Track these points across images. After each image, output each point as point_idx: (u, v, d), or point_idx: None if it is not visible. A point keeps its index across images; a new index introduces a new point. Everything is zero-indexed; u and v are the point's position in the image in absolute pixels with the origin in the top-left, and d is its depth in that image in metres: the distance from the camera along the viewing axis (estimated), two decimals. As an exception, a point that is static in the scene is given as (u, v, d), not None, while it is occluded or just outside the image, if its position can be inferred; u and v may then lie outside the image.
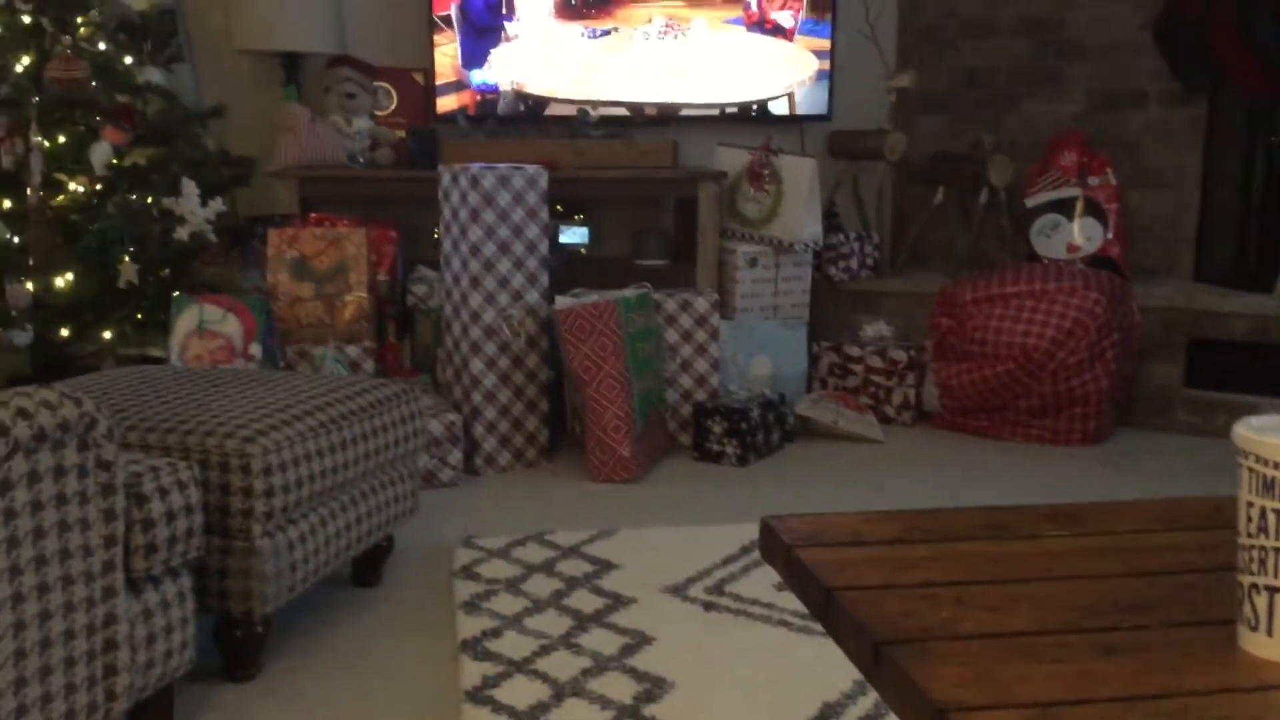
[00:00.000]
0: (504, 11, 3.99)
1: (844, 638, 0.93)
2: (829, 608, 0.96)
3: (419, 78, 4.03)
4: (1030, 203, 4.14)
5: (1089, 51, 4.31)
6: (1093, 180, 4.08)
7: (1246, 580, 0.85)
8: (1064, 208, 4.08)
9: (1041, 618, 0.91)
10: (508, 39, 4.01)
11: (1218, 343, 3.77)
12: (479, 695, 1.95)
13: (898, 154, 4.14)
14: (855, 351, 3.89)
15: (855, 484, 3.23)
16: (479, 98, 4.04)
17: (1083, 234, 4.05)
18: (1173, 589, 0.97)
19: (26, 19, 3.23)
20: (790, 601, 2.34)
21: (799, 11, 4.18)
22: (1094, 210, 4.05)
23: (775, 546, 1.09)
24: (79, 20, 3.35)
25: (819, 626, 2.22)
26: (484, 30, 3.98)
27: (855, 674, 2.03)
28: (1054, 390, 3.58)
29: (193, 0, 3.98)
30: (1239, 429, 0.85)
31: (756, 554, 2.61)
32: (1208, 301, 3.81)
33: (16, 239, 3.17)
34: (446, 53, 3.99)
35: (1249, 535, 0.84)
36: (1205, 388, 3.79)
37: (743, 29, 4.16)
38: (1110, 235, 4.05)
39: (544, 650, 2.12)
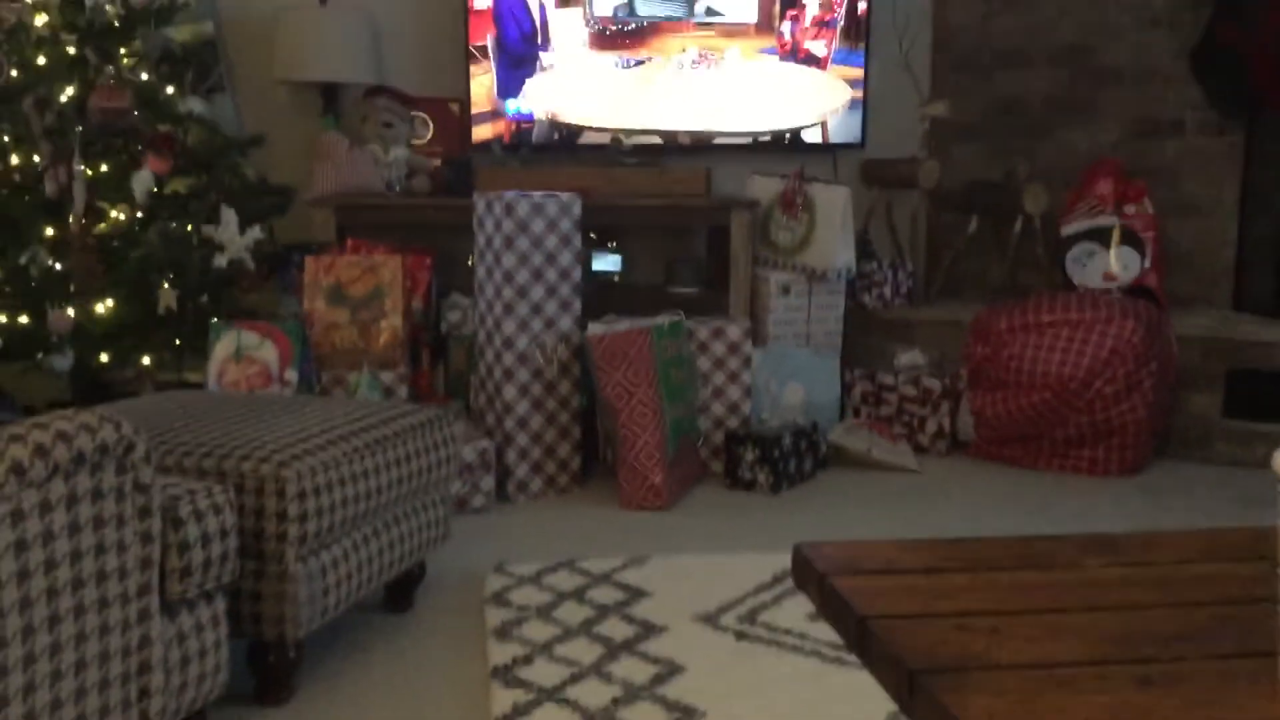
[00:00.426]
0: (539, 42, 4.03)
1: (878, 667, 0.93)
2: (863, 636, 0.95)
3: (455, 107, 4.07)
4: (1066, 231, 4.11)
5: (1125, 79, 4.29)
6: (1129, 209, 4.05)
7: (1288, 612, 0.83)
8: (1100, 236, 4.05)
9: (1079, 648, 0.90)
10: (543, 69, 4.05)
11: (1257, 373, 3.72)
12: (510, 722, 1.94)
13: (932, 182, 4.14)
14: (889, 380, 3.87)
15: (889, 513, 3.21)
16: (514, 127, 4.07)
17: (1119, 263, 4.02)
18: (1213, 620, 0.95)
19: (71, 50, 3.30)
20: (823, 631, 2.32)
21: (832, 41, 4.20)
22: (1130, 239, 4.02)
23: (808, 574, 1.09)
24: (122, 51, 3.41)
25: (852, 657, 2.20)
26: (519, 60, 4.02)
27: (889, 705, 2.00)
28: (1090, 420, 3.55)
29: (234, 31, 4.04)
30: (1278, 457, 0.84)
31: (789, 583, 2.59)
32: (1246, 331, 3.77)
33: (59, 265, 3.22)
34: (482, 83, 4.03)
35: (1290, 566, 0.83)
36: (1244, 418, 3.74)
37: (776, 58, 4.18)
38: (1147, 264, 4.01)
39: (574, 678, 2.11)
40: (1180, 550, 1.12)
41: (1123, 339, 3.51)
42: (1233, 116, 4.08)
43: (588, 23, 4.04)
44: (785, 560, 2.80)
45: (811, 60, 4.20)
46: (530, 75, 4.05)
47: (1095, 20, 4.31)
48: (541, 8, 4.01)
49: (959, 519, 3.15)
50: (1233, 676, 0.85)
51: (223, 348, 3.18)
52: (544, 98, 4.07)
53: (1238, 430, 3.75)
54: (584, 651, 2.23)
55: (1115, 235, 4.03)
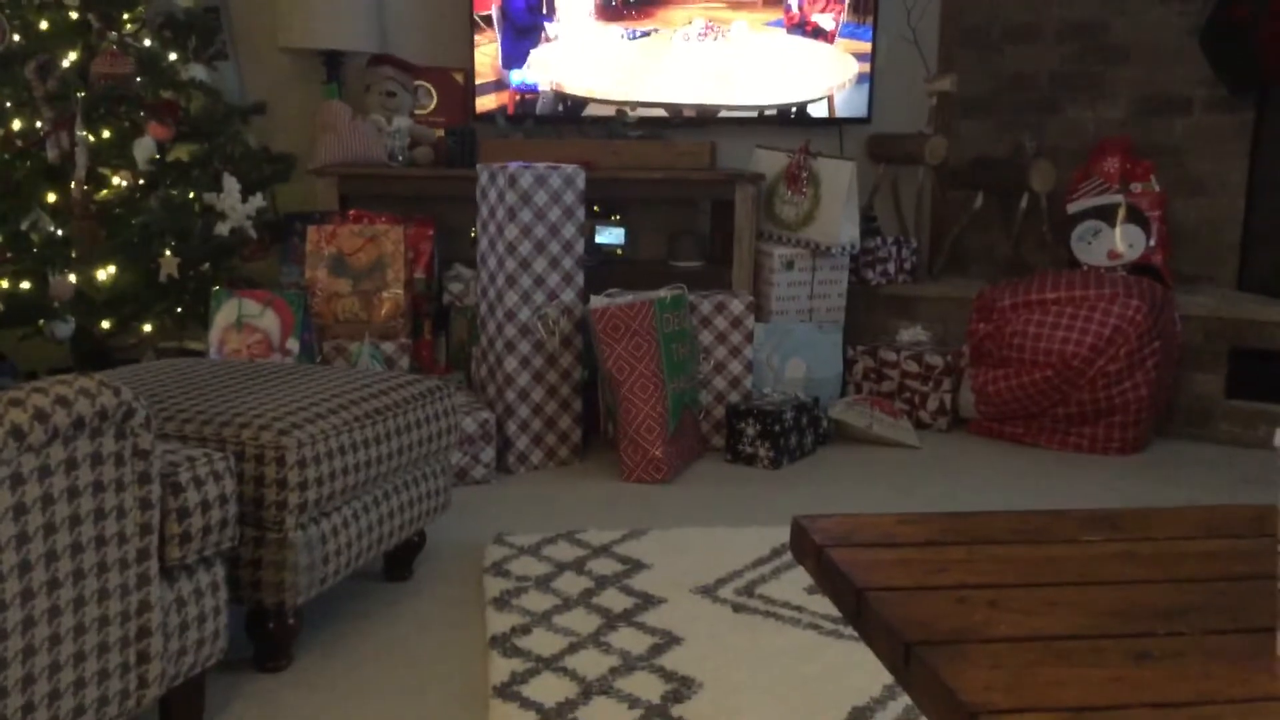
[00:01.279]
0: (544, 11, 4.00)
1: (875, 638, 0.92)
2: (860, 608, 0.95)
3: (459, 77, 4.05)
4: (1072, 209, 4.10)
5: (1133, 56, 4.26)
6: (1136, 187, 4.03)
7: (1287, 588, 0.83)
8: (1106, 214, 4.03)
9: (1076, 622, 0.90)
10: (548, 39, 4.02)
11: (1260, 352, 3.72)
12: (507, 691, 1.95)
13: (938, 158, 4.11)
14: (891, 356, 3.86)
15: (889, 489, 3.21)
16: (518, 97, 4.05)
17: (1124, 241, 4.01)
18: (1210, 596, 0.95)
19: (74, 15, 3.28)
20: (820, 605, 2.33)
21: (840, 14, 4.16)
22: (1136, 217, 4.00)
23: (807, 546, 1.09)
24: (125, 17, 3.39)
25: (849, 630, 2.21)
26: (524, 30, 3.99)
27: (885, 678, 2.01)
28: (1093, 398, 3.54)
29: (237, -2, 4.02)
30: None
31: (787, 556, 2.60)
32: (1251, 310, 3.75)
33: (60, 232, 3.21)
34: (486, 53, 4.00)
35: (1290, 542, 0.83)
36: (1247, 398, 3.74)
37: (783, 31, 4.15)
38: (1153, 242, 3.99)
39: (573, 648, 2.12)
40: (1179, 527, 1.12)
41: (1126, 317, 3.50)
42: (1242, 95, 4.05)
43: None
44: (784, 534, 2.81)
45: (819, 33, 4.17)
46: (535, 45, 4.02)
47: (1105, -4, 4.28)
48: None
49: (959, 495, 3.16)
50: (1230, 652, 0.84)
51: (224, 316, 3.17)
52: (549, 69, 4.05)
53: (1240, 410, 3.75)
54: (582, 622, 2.24)
55: (1121, 213, 4.01)
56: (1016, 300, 3.67)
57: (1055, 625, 0.89)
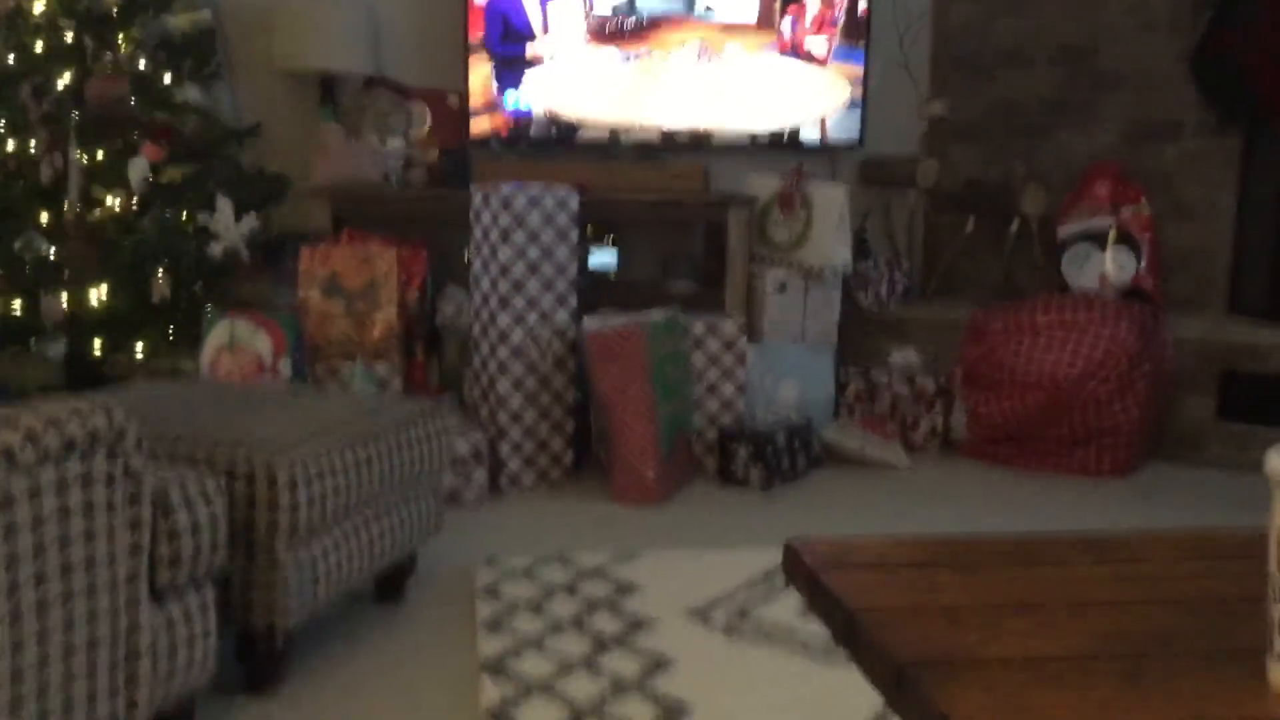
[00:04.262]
0: (522, 41, 4.00)
1: (866, 661, 0.92)
2: (851, 630, 0.95)
3: (453, 100, 4.06)
4: (1063, 233, 4.12)
5: (1124, 82, 4.29)
6: (1126, 211, 4.05)
7: (1277, 611, 0.83)
8: (1096, 238, 4.05)
9: (1068, 645, 0.89)
10: (537, 60, 4.03)
11: (1251, 376, 3.73)
12: (499, 715, 1.94)
13: (930, 182, 4.13)
14: (883, 378, 3.87)
15: (881, 511, 3.21)
16: (512, 120, 4.07)
17: (1115, 264, 4.02)
18: (1201, 619, 0.95)
19: (69, 37, 3.29)
20: (813, 628, 2.32)
21: (833, 38, 4.19)
22: (1127, 241, 4.02)
23: (798, 568, 1.08)
24: (120, 38, 3.40)
25: (841, 654, 2.20)
26: (508, 60, 4.01)
27: (877, 702, 2.00)
28: (1084, 421, 3.55)
29: (232, 20, 4.03)
30: (1271, 457, 0.83)
31: (779, 579, 2.59)
32: (1241, 334, 3.77)
33: (53, 252, 3.21)
34: (481, 75, 4.02)
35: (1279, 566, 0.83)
36: (1238, 420, 3.75)
37: (776, 55, 4.17)
38: (1143, 266, 4.01)
39: (564, 671, 2.11)
40: (1171, 550, 1.12)
41: (1117, 340, 3.51)
42: (1231, 120, 4.08)
43: (587, 17, 4.03)
44: (776, 556, 2.80)
45: (811, 58, 4.20)
46: (524, 70, 4.04)
47: (1095, 22, 4.31)
48: (541, 2, 4.00)
49: (951, 517, 3.16)
50: (1221, 675, 0.84)
51: (216, 337, 3.17)
52: (543, 92, 4.06)
53: (1231, 433, 3.75)
54: (574, 645, 2.23)
55: (1111, 237, 4.03)
56: (1008, 323, 3.68)
57: (1047, 648, 0.89)
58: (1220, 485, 3.55)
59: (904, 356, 3.99)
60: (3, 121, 3.24)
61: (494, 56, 3.98)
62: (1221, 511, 3.28)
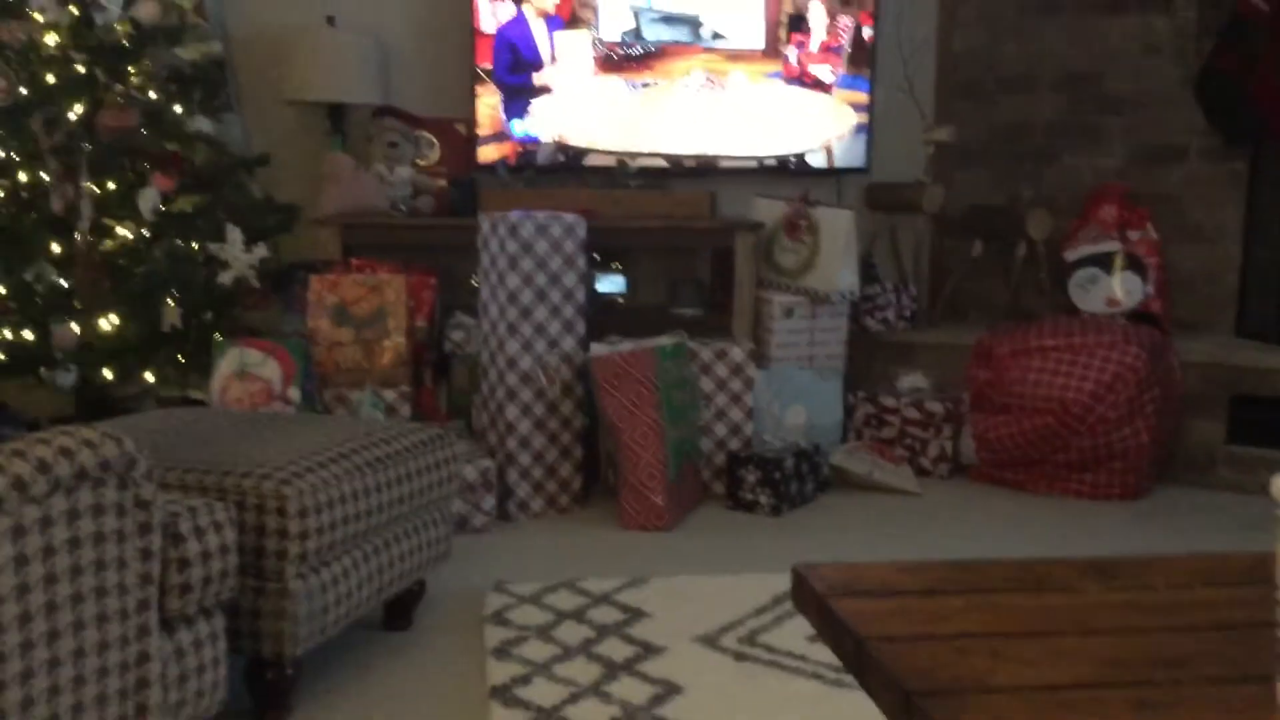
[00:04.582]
0: (529, 71, 4.03)
1: (875, 688, 0.92)
2: (861, 657, 0.95)
3: (461, 128, 4.09)
4: (1069, 256, 4.12)
5: (1128, 106, 4.31)
6: (1133, 234, 4.06)
7: (1286, 636, 0.83)
8: (1103, 262, 4.06)
9: (1076, 671, 0.90)
10: (544, 88, 4.06)
11: (1260, 399, 3.72)
12: (508, 743, 1.93)
13: (936, 207, 4.15)
14: (891, 403, 3.87)
15: (890, 536, 3.20)
16: (520, 148, 4.09)
17: (1122, 288, 4.03)
18: (1210, 644, 0.95)
19: (80, 69, 3.32)
20: (822, 654, 2.32)
21: (838, 66, 4.21)
22: (1134, 264, 4.02)
23: (807, 595, 1.09)
24: (131, 70, 3.43)
25: (851, 680, 2.19)
26: (514, 89, 4.04)
27: (889, 729, 1.99)
28: (1093, 445, 3.54)
29: (242, 51, 4.07)
30: (1277, 481, 0.84)
31: (789, 605, 2.59)
32: (1250, 357, 3.76)
33: (65, 282, 3.23)
34: (488, 104, 4.04)
35: (1288, 590, 0.83)
36: (1247, 444, 3.74)
37: (782, 82, 4.19)
38: (1151, 290, 4.01)
39: (573, 698, 2.11)
40: (1179, 574, 1.12)
41: (1125, 364, 3.51)
42: (1236, 142, 4.09)
43: (595, 46, 4.06)
44: (785, 582, 2.80)
45: (817, 85, 4.22)
46: (530, 99, 4.07)
47: (1099, 47, 4.33)
48: (549, 31, 4.03)
49: (960, 542, 3.15)
50: (1230, 701, 0.84)
51: (226, 365, 3.18)
52: (550, 120, 4.09)
53: (1240, 456, 3.74)
54: (583, 671, 2.22)
55: (1118, 261, 4.04)
56: (1016, 347, 3.68)
57: (1056, 674, 0.89)
58: (1229, 509, 3.54)
59: (912, 381, 3.99)
60: (15, 152, 3.27)
61: (502, 86, 4.01)
62: (1231, 535, 3.27)
